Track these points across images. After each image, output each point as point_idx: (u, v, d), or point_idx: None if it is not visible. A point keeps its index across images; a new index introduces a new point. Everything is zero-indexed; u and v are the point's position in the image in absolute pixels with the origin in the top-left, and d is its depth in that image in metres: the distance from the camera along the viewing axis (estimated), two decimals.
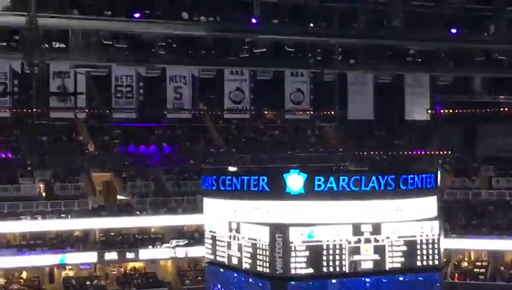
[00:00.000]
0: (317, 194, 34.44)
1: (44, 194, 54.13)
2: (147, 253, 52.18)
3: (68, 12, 51.53)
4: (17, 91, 54.46)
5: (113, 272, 53.07)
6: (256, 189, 35.22)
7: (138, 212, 53.67)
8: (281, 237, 34.39)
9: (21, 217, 50.67)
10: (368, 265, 35.16)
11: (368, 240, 35.12)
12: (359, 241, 35.04)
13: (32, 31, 38.89)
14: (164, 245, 52.73)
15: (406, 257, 35.54)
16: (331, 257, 34.66)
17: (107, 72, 56.50)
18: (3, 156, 54.54)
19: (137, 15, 53.16)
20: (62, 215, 51.74)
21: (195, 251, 50.52)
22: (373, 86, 62.08)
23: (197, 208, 46.80)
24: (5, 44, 52.00)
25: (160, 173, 57.64)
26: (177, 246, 52.44)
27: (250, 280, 35.70)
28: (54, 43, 52.51)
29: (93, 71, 55.82)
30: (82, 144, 58.43)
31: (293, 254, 34.31)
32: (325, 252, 34.60)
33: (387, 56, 60.15)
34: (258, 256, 35.15)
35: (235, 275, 36.75)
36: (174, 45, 55.79)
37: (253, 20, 55.32)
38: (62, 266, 50.98)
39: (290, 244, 34.29)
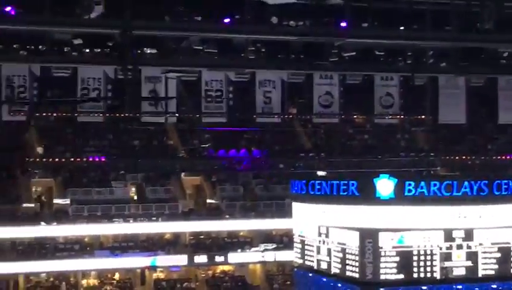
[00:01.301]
0: (408, 199, 33.99)
1: (135, 197, 55.06)
2: (236, 256, 52.44)
3: (160, 19, 52.33)
4: (110, 96, 55.52)
5: (202, 275, 53.57)
6: (345, 193, 34.99)
7: (227, 216, 53.98)
8: (370, 242, 34.06)
9: (114, 219, 51.64)
10: (459, 272, 34.48)
11: (460, 246, 34.45)
12: (451, 247, 34.40)
13: (126, 38, 39.58)
14: (253, 249, 52.91)
15: (499, 264, 34.71)
16: (421, 263, 34.13)
17: (197, 77, 57.16)
18: (97, 159, 55.69)
19: (227, 20, 53.56)
20: (153, 218, 52.52)
21: (284, 255, 50.48)
22: (465, 90, 60.95)
23: (286, 212, 46.75)
24: (99, 50, 53.30)
25: (249, 177, 57.87)
26: (266, 250, 52.53)
27: (339, 285, 35.44)
28: (145, 48, 53.51)
29: (184, 76, 56.55)
30: (173, 148, 59.22)
31: (383, 259, 33.94)
32: (415, 258, 34.09)
33: (479, 59, 58.96)
34: (347, 261, 34.91)
35: (324, 279, 36.57)
36: (264, 50, 56.04)
37: (343, 24, 55.03)
38: (153, 268, 51.72)
39: (380, 250, 33.93)
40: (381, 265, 33.92)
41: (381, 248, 33.95)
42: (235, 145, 59.51)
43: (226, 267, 53.77)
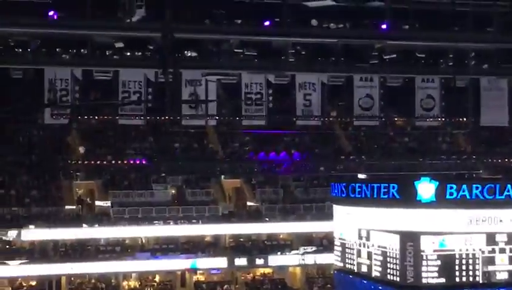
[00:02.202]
0: (449, 202, 33.75)
1: (176, 199, 55.32)
2: (276, 259, 52.46)
3: (200, 22, 52.51)
4: (151, 99, 55.85)
5: (242, 278, 53.64)
6: (386, 196, 34.87)
7: (267, 219, 53.99)
8: (411, 245, 33.89)
9: (154, 222, 51.94)
10: (502, 276, 34.15)
11: (502, 250, 34.09)
12: (493, 251, 34.07)
13: (167, 41, 39.77)
14: (293, 252, 52.89)
15: None
16: (463, 267, 33.86)
17: (237, 80, 57.25)
18: (138, 162, 56.08)
19: (266, 23, 53.57)
20: (193, 220, 52.72)
21: (324, 258, 50.43)
22: (507, 91, 60.23)
23: (326, 215, 46.68)
24: (140, 54, 53.67)
25: (289, 180, 57.84)
26: (306, 252, 52.49)
27: (380, 288, 35.27)
28: (186, 51, 53.74)
29: (224, 79, 56.68)
30: (213, 151, 59.41)
31: (424, 262, 33.74)
32: (457, 261, 33.84)
33: None
34: (388, 264, 34.77)
35: (365, 282, 36.44)
36: (304, 52, 55.94)
37: (384, 26, 54.70)
38: (193, 270, 51.97)
39: (421, 253, 33.73)
40: (423, 269, 33.73)
41: (423, 251, 33.74)
42: (275, 148, 59.51)
43: (265, 270, 53.81)
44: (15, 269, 48.62)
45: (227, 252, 52.48)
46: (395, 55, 55.97)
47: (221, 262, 51.72)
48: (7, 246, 50.34)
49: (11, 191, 52.45)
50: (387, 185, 34.89)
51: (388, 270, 34.75)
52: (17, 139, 55.87)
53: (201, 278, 53.14)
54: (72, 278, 50.96)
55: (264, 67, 55.72)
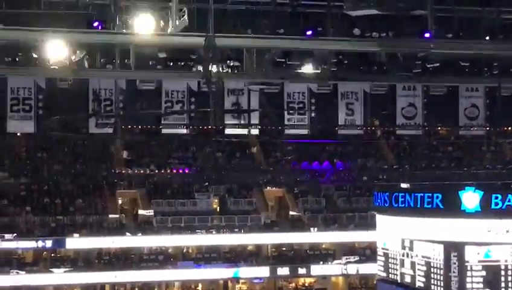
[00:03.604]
0: (494, 212, 33.24)
1: (218, 209, 55.47)
2: (318, 269, 52.32)
3: (242, 32, 52.66)
4: (193, 109, 56.17)
5: (284, 287, 53.53)
6: (430, 206, 34.49)
7: (310, 228, 53.84)
8: (456, 255, 33.46)
9: (197, 231, 52.13)
10: None
11: None
12: None
13: (210, 51, 39.95)
14: (335, 261, 52.67)
15: None
16: (509, 278, 33.30)
17: (279, 89, 57.31)
18: (181, 171, 56.38)
19: (309, 32, 53.50)
20: (235, 229, 52.81)
21: (367, 268, 50.15)
22: None
23: (369, 225, 46.43)
24: (183, 64, 53.97)
25: (331, 189, 57.68)
26: (349, 262, 52.22)
27: None
28: (229, 61, 53.94)
29: (266, 88, 56.80)
30: (255, 160, 59.50)
31: (469, 273, 33.26)
32: (503, 272, 33.27)
33: None
34: (432, 275, 34.36)
35: None
36: (346, 61, 55.76)
37: (427, 35, 54.27)
38: (236, 279, 52.03)
39: (466, 264, 33.26)
40: (467, 280, 33.25)
41: (467, 262, 33.28)
42: (317, 157, 59.42)
43: (308, 280, 53.65)
44: (60, 277, 49.11)
45: (270, 262, 52.44)
46: (438, 64, 55.52)
47: (263, 271, 51.73)
48: (52, 255, 50.94)
49: (56, 199, 53.07)
50: (431, 194, 34.51)
51: (432, 281, 34.34)
52: (62, 148, 56.51)
53: (244, 287, 53.21)
54: (116, 287, 51.34)
55: (307, 76, 55.64)
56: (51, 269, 49.27)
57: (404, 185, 49.93)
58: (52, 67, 48.53)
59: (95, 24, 49.63)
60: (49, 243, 49.62)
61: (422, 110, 59.42)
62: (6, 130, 54.52)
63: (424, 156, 61.89)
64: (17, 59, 51.84)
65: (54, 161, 55.60)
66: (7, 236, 48.83)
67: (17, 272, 48.29)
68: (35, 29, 44.67)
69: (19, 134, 56.18)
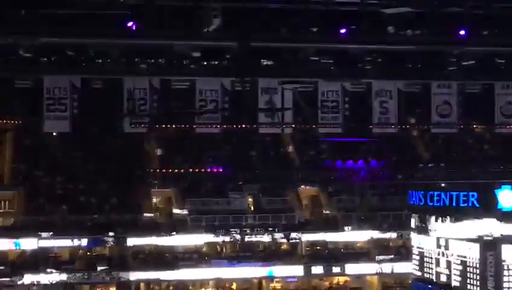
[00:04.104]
0: None
1: (252, 207, 55.51)
2: (352, 268, 52.07)
3: (276, 31, 52.73)
4: (227, 108, 56.28)
5: (318, 286, 53.44)
6: (465, 205, 34.32)
7: (344, 227, 53.64)
8: (492, 254, 33.24)
9: (231, 229, 52.19)
10: None
11: None
12: None
13: (243, 50, 40.14)
14: (370, 260, 52.43)
15: None
16: None
17: (313, 88, 57.23)
18: (215, 170, 56.50)
19: (343, 30, 53.42)
20: (269, 228, 52.75)
21: (401, 267, 49.83)
22: None
23: (403, 224, 46.19)
24: (216, 63, 54.19)
25: (366, 188, 57.41)
26: (383, 261, 51.99)
27: None
28: (262, 60, 53.99)
29: (300, 87, 56.75)
30: (289, 159, 59.46)
31: (505, 272, 33.07)
32: None
33: None
34: (468, 274, 34.14)
35: None
36: (380, 59, 55.58)
37: (462, 32, 53.92)
38: (270, 278, 51.98)
39: (503, 263, 33.05)
40: (504, 279, 33.06)
41: (504, 260, 33.07)
42: (351, 155, 59.18)
43: (342, 279, 53.48)
44: (95, 275, 49.45)
45: (304, 261, 52.36)
46: (473, 62, 55.11)
47: (297, 270, 51.62)
48: (88, 253, 51.38)
49: (91, 198, 53.48)
50: (466, 193, 34.38)
51: (468, 280, 34.13)
52: (97, 147, 56.90)
53: (278, 286, 53.10)
54: (150, 285, 51.57)
55: (341, 75, 55.56)
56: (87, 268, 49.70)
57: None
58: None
59: (129, 24, 50.09)
60: (84, 242, 50.02)
61: (458, 108, 58.96)
62: (42, 130, 55.02)
63: (459, 154, 61.37)
64: (52, 59, 52.51)
65: (89, 160, 55.99)
66: (44, 235, 49.29)
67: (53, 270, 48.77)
68: (79, 32, 45.05)
69: (54, 133, 56.69)
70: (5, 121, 56.51)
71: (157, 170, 56.18)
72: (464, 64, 55.70)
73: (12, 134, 56.64)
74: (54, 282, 48.66)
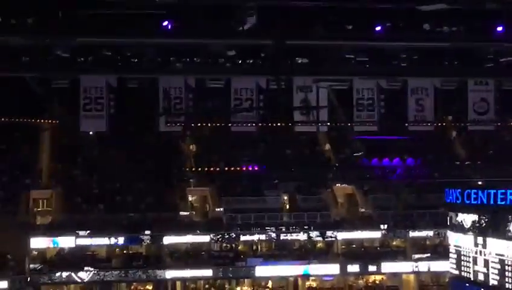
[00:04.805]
0: None
1: (288, 206, 55.48)
2: (389, 266, 51.89)
3: (311, 29, 52.55)
4: (262, 106, 56.29)
5: (354, 284, 53.30)
6: (503, 203, 33.96)
7: (380, 226, 53.40)
8: None
9: (266, 228, 52.22)
10: None
11: None
12: None
13: (278, 48, 40.07)
14: (406, 259, 52.16)
15: None
16: None
17: (348, 86, 57.03)
18: (250, 169, 56.57)
19: (378, 28, 53.11)
20: (305, 227, 52.71)
21: (438, 266, 49.58)
22: None
23: (440, 222, 45.86)
24: (251, 61, 54.19)
25: (401, 186, 57.08)
26: (420, 260, 51.69)
27: None
28: (297, 58, 53.87)
29: (335, 85, 56.55)
30: (325, 157, 59.33)
31: None
32: None
33: None
34: (506, 273, 33.79)
35: None
36: (416, 57, 55.18)
37: (499, 28, 53.32)
38: (306, 276, 51.95)
39: None
40: None
41: None
42: (387, 154, 58.91)
43: (378, 277, 53.28)
44: (131, 273, 49.78)
45: (340, 259, 52.24)
46: (511, 58, 54.49)
47: (333, 269, 51.54)
48: (124, 252, 51.69)
49: (128, 197, 53.83)
50: (504, 191, 34.00)
51: (507, 279, 33.78)
52: (133, 146, 57.28)
53: (314, 284, 53.08)
54: (187, 283, 51.81)
55: (376, 72, 55.25)
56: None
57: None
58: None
59: (165, 23, 50.28)
60: (121, 240, 50.39)
61: (495, 105, 58.39)
62: (79, 130, 55.49)
63: (497, 151, 60.76)
64: (89, 59, 52.91)
65: (125, 159, 56.36)
66: (81, 233, 49.75)
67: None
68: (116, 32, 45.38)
69: (91, 133, 57.16)
70: (42, 121, 57.13)
71: (193, 169, 56.41)
72: (501, 61, 55.04)
73: (49, 133, 57.24)
74: (91, 280, 49.14)
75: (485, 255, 35.35)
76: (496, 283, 34.55)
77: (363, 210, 55.48)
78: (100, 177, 55.25)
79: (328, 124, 58.58)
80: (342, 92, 58.02)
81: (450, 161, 59.53)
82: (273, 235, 52.10)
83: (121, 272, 49.67)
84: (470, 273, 36.48)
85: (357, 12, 51.24)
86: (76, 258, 50.19)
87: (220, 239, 51.52)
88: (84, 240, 50.10)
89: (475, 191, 35.77)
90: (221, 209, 53.51)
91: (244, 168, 56.59)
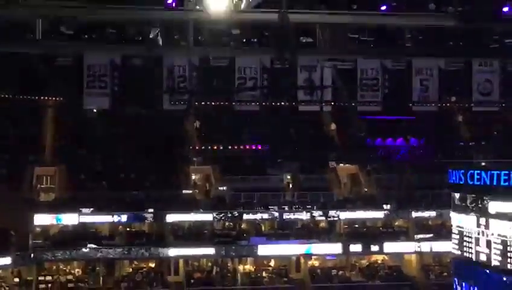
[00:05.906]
0: None
1: (291, 185, 55.51)
2: (391, 246, 51.99)
3: (316, 8, 52.35)
4: (266, 85, 56.15)
5: (357, 264, 53.42)
6: (507, 184, 33.90)
7: (383, 206, 53.44)
8: None
9: (269, 207, 52.28)
10: None
11: None
12: None
13: (283, 27, 39.86)
14: (408, 239, 52.24)
15: None
16: None
17: (353, 66, 56.84)
18: (254, 148, 56.55)
19: (383, 7, 52.90)
20: (308, 206, 52.76)
21: (441, 246, 49.64)
22: None
23: (443, 202, 45.88)
24: (256, 40, 54.02)
25: (405, 167, 57.05)
26: (422, 240, 51.77)
27: (504, 279, 34.26)
28: (301, 38, 53.69)
29: (340, 65, 56.39)
30: (328, 137, 59.26)
31: None
32: None
33: None
34: (508, 253, 33.81)
35: (485, 271, 35.59)
36: (420, 37, 54.98)
37: (505, 9, 53.05)
38: (308, 255, 52.08)
39: None
40: None
41: None
42: (391, 134, 58.84)
43: (380, 257, 53.40)
44: (134, 250, 49.96)
45: (342, 239, 52.33)
46: None
47: (335, 248, 51.66)
48: (127, 229, 51.85)
49: (131, 175, 53.89)
50: (507, 172, 33.92)
51: (509, 260, 33.80)
52: (136, 124, 57.23)
53: (316, 263, 53.22)
54: (189, 261, 51.96)
55: (381, 52, 55.04)
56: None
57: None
58: None
59: (169, 1, 50.12)
60: (124, 218, 50.51)
61: (499, 86, 58.20)
62: (83, 107, 55.44)
63: (500, 132, 60.67)
64: (93, 36, 52.78)
65: (128, 136, 56.36)
66: (84, 210, 49.88)
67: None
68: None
69: (95, 110, 57.11)
70: (46, 98, 57.09)
71: (196, 147, 56.40)
72: (506, 42, 54.81)
73: (53, 111, 57.22)
74: (94, 257, 49.32)
75: (487, 236, 35.35)
76: (497, 263, 34.56)
77: (366, 190, 55.51)
78: (104, 154, 55.30)
79: (332, 103, 58.44)
80: (346, 72, 57.82)
81: (454, 141, 59.44)
82: (276, 214, 52.19)
83: (124, 250, 49.83)
84: (472, 253, 36.49)
85: None
86: (79, 235, 50.34)
87: (222, 218, 51.63)
88: (87, 218, 50.24)
89: (478, 172, 35.70)
90: (224, 188, 53.56)
91: (247, 147, 56.56)
